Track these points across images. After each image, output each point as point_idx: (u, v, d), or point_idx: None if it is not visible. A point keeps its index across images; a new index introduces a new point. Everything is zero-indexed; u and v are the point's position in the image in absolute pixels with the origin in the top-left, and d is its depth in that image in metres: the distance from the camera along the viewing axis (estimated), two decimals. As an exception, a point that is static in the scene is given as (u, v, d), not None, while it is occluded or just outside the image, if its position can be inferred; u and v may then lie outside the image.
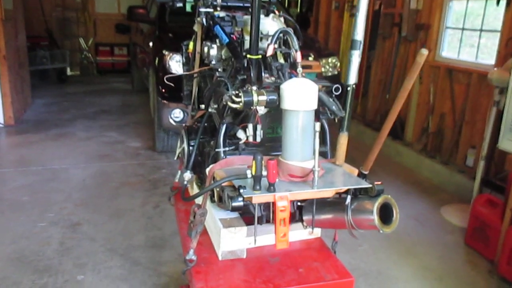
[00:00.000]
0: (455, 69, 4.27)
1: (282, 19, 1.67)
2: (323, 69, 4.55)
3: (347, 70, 1.36)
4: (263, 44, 1.52)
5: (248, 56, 1.34)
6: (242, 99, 1.18)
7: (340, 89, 1.38)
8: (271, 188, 1.12)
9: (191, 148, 1.62)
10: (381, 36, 5.30)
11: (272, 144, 1.42)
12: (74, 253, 2.85)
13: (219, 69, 1.62)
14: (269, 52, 1.34)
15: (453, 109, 4.32)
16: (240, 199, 1.13)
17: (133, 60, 8.17)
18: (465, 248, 3.19)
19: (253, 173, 1.10)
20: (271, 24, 1.58)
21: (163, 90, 4.23)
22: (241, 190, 1.12)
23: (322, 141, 1.47)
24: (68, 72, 9.81)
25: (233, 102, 1.20)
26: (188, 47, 1.90)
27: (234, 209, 1.14)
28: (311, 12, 7.20)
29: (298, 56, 1.36)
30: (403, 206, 3.94)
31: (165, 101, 4.22)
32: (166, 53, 4.29)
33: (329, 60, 4.69)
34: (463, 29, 4.31)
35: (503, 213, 2.89)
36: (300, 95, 1.19)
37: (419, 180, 4.41)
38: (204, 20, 1.68)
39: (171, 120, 4.23)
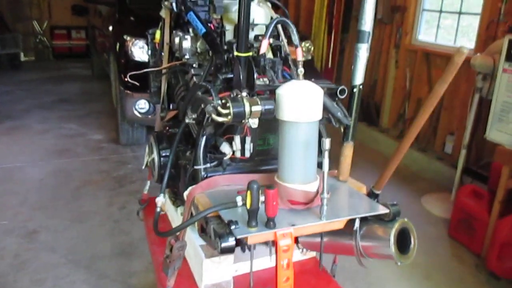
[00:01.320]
0: (433, 53, 4.13)
1: (268, 3, 1.42)
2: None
3: (353, 68, 1.13)
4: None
5: (236, 53, 1.08)
6: (231, 110, 0.92)
7: (346, 91, 1.15)
8: (270, 223, 0.89)
9: (163, 159, 1.36)
10: (354, 18, 5.10)
11: (263, 157, 1.19)
12: (31, 267, 2.55)
13: (194, 65, 1.36)
14: (263, 49, 1.10)
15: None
16: (232, 238, 0.89)
17: (92, 44, 7.66)
18: (450, 241, 3.08)
19: (248, 207, 0.86)
20: (257, 11, 1.33)
21: (126, 80, 3.89)
22: (233, 227, 0.88)
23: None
24: (22, 57, 9.15)
25: (219, 114, 0.94)
26: (155, 36, 1.61)
27: (224, 251, 0.90)
28: (280, -7, 6.90)
29: (299, 53, 1.13)
30: (382, 196, 3.82)
31: (128, 91, 3.89)
32: (128, 38, 3.94)
33: (302, 44, 4.45)
34: (440, 11, 4.16)
35: (489, 205, 2.79)
36: (302, 103, 0.95)
37: (397, 168, 4.23)
38: (174, 4, 1.40)
39: (135, 112, 3.91)
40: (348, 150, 1.15)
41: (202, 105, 1.01)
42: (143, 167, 1.58)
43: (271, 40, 1.28)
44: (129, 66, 3.89)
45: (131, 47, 3.90)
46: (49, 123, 5.18)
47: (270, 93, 1.05)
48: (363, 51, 1.12)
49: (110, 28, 4.73)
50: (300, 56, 1.11)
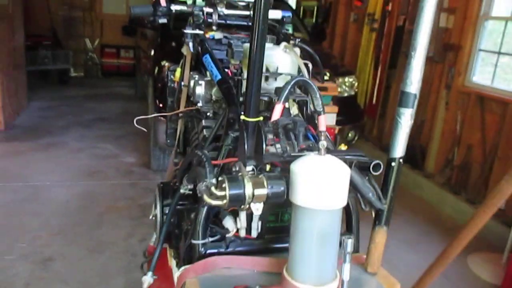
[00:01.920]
0: (488, 97, 3.80)
1: (297, 49, 1.23)
2: (339, 89, 4.11)
3: (392, 137, 0.92)
4: (269, 84, 1.08)
5: (242, 117, 0.89)
6: (227, 192, 0.73)
7: (381, 167, 0.93)
8: None
9: (165, 217, 1.18)
10: (403, 55, 4.84)
11: (275, 236, 0.98)
12: (39, 300, 2.43)
13: (208, 113, 1.19)
14: (276, 115, 0.90)
15: (483, 141, 3.85)
16: None
17: (137, 65, 7.78)
18: (499, 313, 2.72)
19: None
20: (282, 58, 1.14)
21: (160, 105, 3.81)
22: None
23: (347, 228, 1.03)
24: (72, 73, 9.45)
25: (212, 196, 0.75)
26: (175, 74, 1.47)
27: None
28: (327, 23, 6.75)
29: (322, 122, 0.92)
30: (423, 250, 3.48)
31: (161, 117, 3.79)
32: (167, 64, 3.88)
33: (346, 79, 4.25)
34: (499, 53, 3.85)
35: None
36: (322, 186, 0.74)
37: (441, 218, 3.94)
38: (190, 43, 1.25)
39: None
40: (380, 236, 0.93)
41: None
42: (150, 217, 1.41)
43: (294, 95, 1.08)
44: (164, 92, 3.81)
45: (167, 73, 3.82)
46: (86, 142, 5.19)
47: (283, 168, 0.85)
48: (406, 118, 0.92)
49: (152, 51, 4.72)
50: (323, 126, 0.91)
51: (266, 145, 0.90)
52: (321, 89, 3.05)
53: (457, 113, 4.09)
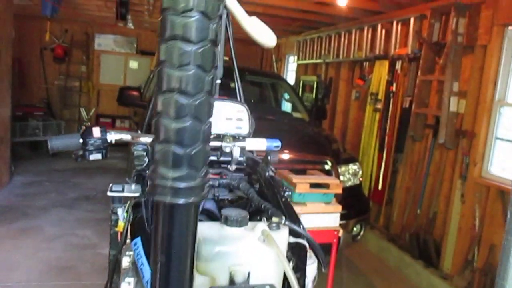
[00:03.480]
0: (510, 192, 3.37)
1: (283, 231, 0.81)
2: (342, 178, 3.70)
3: None
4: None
5: None
6: None
7: None
8: None
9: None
10: (410, 138, 4.49)
11: None
12: None
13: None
14: None
15: (507, 242, 3.37)
16: None
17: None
18: None
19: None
20: (257, 254, 0.72)
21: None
22: None
23: None
24: (64, 143, 9.15)
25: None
26: (117, 224, 1.08)
27: None
28: (327, 99, 6.51)
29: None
30: None
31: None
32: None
33: (350, 166, 3.86)
34: (519, 143, 3.48)
35: None
36: None
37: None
38: (120, 212, 0.87)
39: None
40: None
41: None
42: None
43: None
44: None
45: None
46: (63, 227, 4.72)
47: None
48: None
49: (140, 130, 4.39)
50: None
51: None
52: (321, 186, 2.58)
53: (474, 207, 3.66)
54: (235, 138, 1.22)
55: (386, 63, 4.91)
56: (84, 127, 1.23)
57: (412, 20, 4.52)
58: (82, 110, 9.49)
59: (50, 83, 9.18)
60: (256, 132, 4.31)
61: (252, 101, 5.75)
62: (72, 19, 8.22)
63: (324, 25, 6.59)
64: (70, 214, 5.15)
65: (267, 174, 1.28)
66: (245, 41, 9.90)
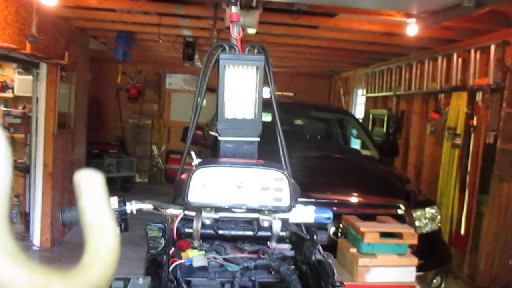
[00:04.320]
0: None
1: None
2: (417, 223, 3.34)
3: None
4: None
5: None
6: None
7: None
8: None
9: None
10: (497, 177, 4.01)
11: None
12: None
13: None
14: None
15: None
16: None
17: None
18: None
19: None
20: None
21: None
22: None
23: None
24: (137, 179, 9.49)
25: None
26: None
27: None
28: (399, 134, 6.12)
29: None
30: None
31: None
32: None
33: (426, 210, 3.49)
34: None
35: None
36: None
37: None
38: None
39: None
40: None
41: None
42: None
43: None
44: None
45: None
46: (128, 266, 4.68)
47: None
48: None
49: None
50: None
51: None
52: (393, 236, 2.28)
53: None
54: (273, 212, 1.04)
55: (464, 95, 4.50)
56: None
57: (492, 47, 4.12)
58: (154, 147, 9.80)
59: (124, 121, 9.63)
60: (322, 172, 4.07)
61: (319, 137, 5.55)
62: (145, 60, 8.61)
63: (394, 56, 6.29)
64: (136, 252, 5.16)
65: (313, 257, 1.07)
66: (312, 75, 9.82)
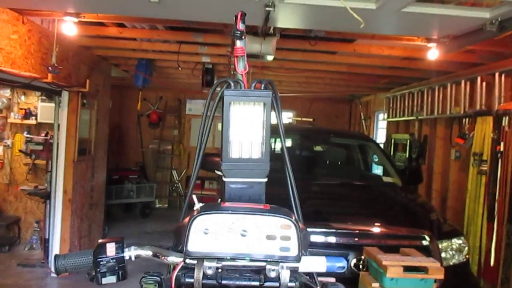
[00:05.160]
0: None
1: None
2: (444, 255, 3.18)
3: None
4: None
5: None
6: None
7: None
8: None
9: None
10: (527, 206, 3.82)
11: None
12: None
13: None
14: None
15: None
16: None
17: (219, 197, 7.49)
18: None
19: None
20: None
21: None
22: None
23: None
24: (157, 204, 9.49)
25: None
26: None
27: None
28: (423, 159, 5.96)
29: None
30: None
31: None
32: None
33: (453, 241, 3.32)
34: None
35: None
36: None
37: None
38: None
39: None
40: None
41: None
42: None
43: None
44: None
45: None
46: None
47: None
48: None
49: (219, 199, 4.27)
50: None
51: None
52: (417, 270, 2.14)
53: None
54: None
55: (489, 120, 4.35)
56: (98, 242, 1.07)
57: (518, 70, 3.99)
58: (174, 172, 9.82)
59: (145, 147, 9.70)
60: (342, 200, 3.95)
61: (339, 163, 5.44)
62: (165, 86, 8.71)
63: (415, 80, 6.18)
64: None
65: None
66: (332, 99, 9.73)
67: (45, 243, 5.28)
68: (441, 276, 2.46)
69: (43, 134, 6.20)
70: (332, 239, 2.99)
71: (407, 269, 2.48)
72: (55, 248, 5.11)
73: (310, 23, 3.42)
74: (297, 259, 0.97)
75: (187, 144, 9.87)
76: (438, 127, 5.66)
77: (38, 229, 6.00)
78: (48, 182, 5.27)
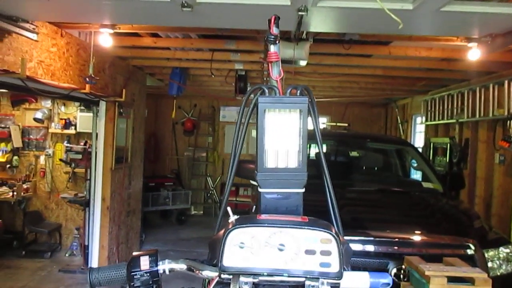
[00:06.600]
0: None
1: None
2: (490, 264, 3.02)
3: None
4: None
5: None
6: None
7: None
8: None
9: None
10: None
11: None
12: None
13: None
14: None
15: None
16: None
17: (253, 204, 7.47)
18: None
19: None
20: None
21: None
22: None
23: None
24: (192, 211, 9.56)
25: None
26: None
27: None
28: (464, 164, 5.72)
29: None
30: None
31: None
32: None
33: (500, 250, 3.15)
34: None
35: None
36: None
37: None
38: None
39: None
40: None
41: None
42: None
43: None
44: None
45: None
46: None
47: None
48: None
49: (253, 207, 4.26)
50: None
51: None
52: (465, 280, 2.02)
53: None
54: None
55: (536, 121, 4.13)
56: (132, 255, 1.05)
57: None
58: (208, 179, 9.89)
59: (180, 154, 9.82)
60: (381, 207, 3.82)
61: (376, 169, 5.31)
62: (199, 94, 8.80)
63: (454, 82, 5.97)
64: None
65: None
66: (367, 103, 9.56)
67: (84, 250, 5.40)
68: (488, 287, 2.32)
69: (82, 143, 6.38)
70: (370, 248, 2.89)
71: (451, 279, 2.35)
72: (94, 255, 5.22)
73: (344, 26, 3.35)
74: (339, 275, 0.92)
75: (221, 151, 9.92)
76: (480, 130, 5.43)
77: (78, 236, 6.16)
78: (87, 190, 5.40)
